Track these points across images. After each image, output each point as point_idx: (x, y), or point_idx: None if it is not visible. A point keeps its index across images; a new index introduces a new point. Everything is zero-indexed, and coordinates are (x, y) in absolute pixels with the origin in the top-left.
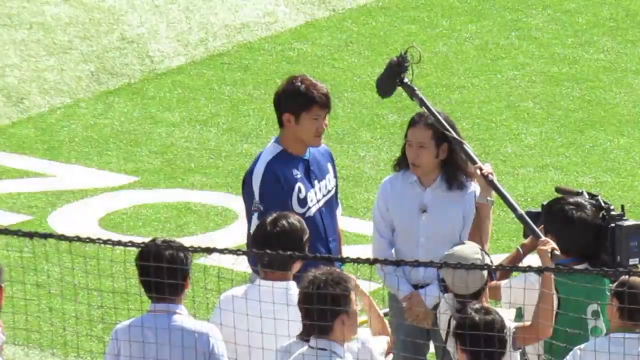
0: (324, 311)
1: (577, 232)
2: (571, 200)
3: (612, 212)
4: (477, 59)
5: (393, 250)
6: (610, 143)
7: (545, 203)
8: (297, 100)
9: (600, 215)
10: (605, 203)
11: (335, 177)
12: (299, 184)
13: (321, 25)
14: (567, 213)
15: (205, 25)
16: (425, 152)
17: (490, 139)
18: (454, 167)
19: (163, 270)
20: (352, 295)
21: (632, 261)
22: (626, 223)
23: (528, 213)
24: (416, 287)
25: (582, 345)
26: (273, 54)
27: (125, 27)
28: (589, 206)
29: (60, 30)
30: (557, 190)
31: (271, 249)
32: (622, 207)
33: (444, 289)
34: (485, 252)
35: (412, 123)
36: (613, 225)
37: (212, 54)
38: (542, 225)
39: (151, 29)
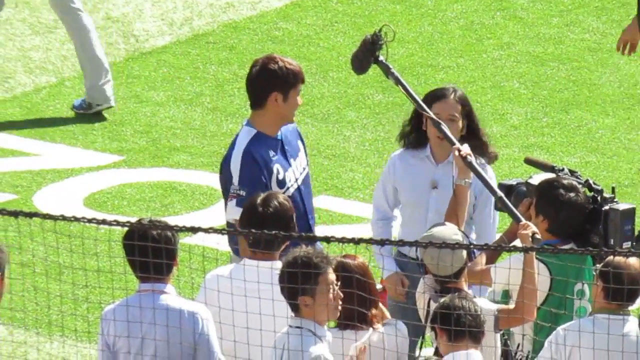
0: (291, 290)
1: (572, 216)
2: (565, 182)
3: (605, 195)
4: (462, 38)
5: (396, 226)
6: (595, 123)
7: (530, 180)
8: (288, 79)
9: (591, 197)
10: (595, 184)
11: (306, 154)
12: (276, 165)
13: (306, 4)
14: (564, 197)
15: (191, 5)
16: (455, 125)
17: None
18: (474, 142)
19: (151, 250)
20: (326, 277)
21: (625, 245)
22: (621, 207)
23: (500, 185)
24: None
25: (565, 325)
26: (258, 33)
27: (110, 6)
28: (580, 188)
29: (45, 10)
30: (527, 161)
31: (266, 230)
32: (613, 189)
33: (423, 269)
34: (464, 233)
35: (440, 97)
36: (607, 208)
37: (197, 33)
38: (526, 201)
39: (136, 8)
